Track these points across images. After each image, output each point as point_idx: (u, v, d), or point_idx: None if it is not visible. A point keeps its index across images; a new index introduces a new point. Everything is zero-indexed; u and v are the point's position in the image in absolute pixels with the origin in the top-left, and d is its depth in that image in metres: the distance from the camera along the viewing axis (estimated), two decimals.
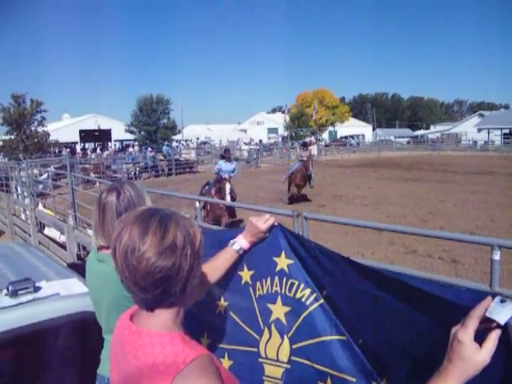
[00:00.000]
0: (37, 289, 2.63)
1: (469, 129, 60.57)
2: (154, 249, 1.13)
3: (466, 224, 11.01)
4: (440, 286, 1.42)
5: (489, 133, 54.94)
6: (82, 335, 2.77)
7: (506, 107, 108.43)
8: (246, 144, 43.57)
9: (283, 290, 1.92)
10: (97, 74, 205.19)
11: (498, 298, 1.13)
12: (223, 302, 2.06)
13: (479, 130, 57.33)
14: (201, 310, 2.04)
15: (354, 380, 1.72)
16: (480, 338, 1.10)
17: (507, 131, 55.11)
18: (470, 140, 52.73)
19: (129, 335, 1.22)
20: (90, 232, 6.99)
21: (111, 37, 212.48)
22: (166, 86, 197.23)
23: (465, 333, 1.10)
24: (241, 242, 1.90)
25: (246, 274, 2.00)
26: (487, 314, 1.10)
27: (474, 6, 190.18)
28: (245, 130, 72.66)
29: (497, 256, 2.42)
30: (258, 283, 1.98)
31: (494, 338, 1.10)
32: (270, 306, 1.94)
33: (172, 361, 1.10)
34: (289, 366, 1.88)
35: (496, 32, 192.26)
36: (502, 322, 1.09)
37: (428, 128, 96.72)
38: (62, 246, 8.84)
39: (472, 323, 1.11)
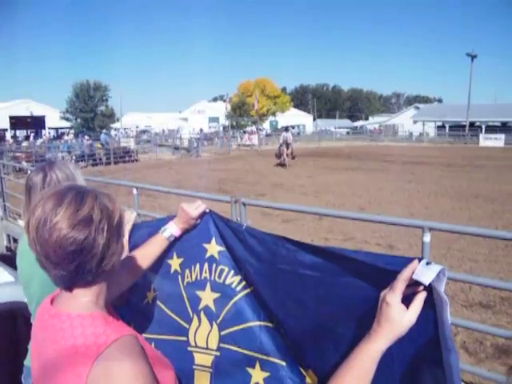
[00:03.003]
0: None
1: (405, 120, 62.97)
2: (66, 220, 1.07)
3: (402, 211, 11.39)
4: (370, 254, 1.42)
5: (424, 125, 57.25)
6: (11, 325, 2.64)
7: (440, 101, 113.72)
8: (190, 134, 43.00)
9: (212, 277, 1.88)
10: (29, 57, 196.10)
11: (423, 261, 1.17)
12: (152, 292, 2.00)
13: (415, 122, 59.65)
14: (128, 300, 1.95)
15: (284, 364, 1.72)
16: (408, 301, 1.13)
17: (440, 124, 57.75)
18: (406, 131, 54.97)
19: (48, 319, 1.17)
20: (20, 222, 6.69)
21: (45, 18, 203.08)
22: (104, 72, 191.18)
23: (393, 295, 1.13)
24: (171, 228, 1.84)
25: (175, 262, 1.94)
26: (414, 277, 1.14)
27: (409, 2, 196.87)
28: (186, 119, 71.93)
29: (427, 238, 2.50)
30: (187, 270, 1.93)
31: (420, 299, 1.14)
32: (198, 293, 1.90)
33: (92, 342, 1.06)
34: (218, 354, 1.85)
35: (431, 29, 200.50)
36: (427, 283, 1.13)
37: (367, 119, 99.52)
38: None
39: (399, 286, 1.14)
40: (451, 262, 7.38)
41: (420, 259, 1.19)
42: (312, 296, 1.56)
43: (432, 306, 1.19)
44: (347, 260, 1.43)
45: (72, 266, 1.09)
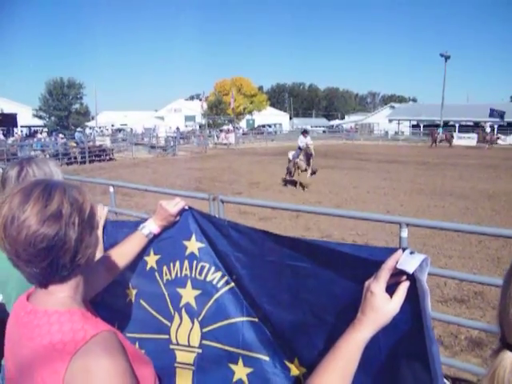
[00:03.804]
0: None
1: (381, 119, 63.71)
2: (35, 216, 1.05)
3: (378, 208, 11.53)
4: (354, 246, 1.44)
5: (399, 124, 58.10)
6: None
7: (414, 100, 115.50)
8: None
9: (193, 274, 1.87)
10: None
11: (407, 251, 1.19)
12: (132, 290, 1.98)
13: (390, 121, 60.43)
14: (111, 299, 1.93)
15: (267, 359, 1.72)
16: (392, 291, 1.15)
17: (415, 123, 58.68)
18: (381, 130, 55.58)
19: (24, 316, 1.14)
20: None
21: (17, 13, 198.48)
22: (78, 70, 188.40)
23: (377, 284, 1.14)
24: (150, 226, 1.82)
25: (151, 259, 1.92)
26: (398, 266, 1.16)
27: (385, 3, 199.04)
28: (162, 118, 71.41)
29: (404, 233, 2.54)
30: (165, 268, 1.91)
31: (403, 288, 1.16)
32: (179, 290, 1.89)
33: (70, 339, 1.04)
34: (200, 351, 1.84)
35: (407, 30, 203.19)
36: (411, 271, 1.14)
37: (343, 118, 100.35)
38: None
39: (384, 275, 1.15)
40: None
41: (404, 249, 1.20)
42: (302, 285, 1.57)
43: (415, 295, 1.21)
44: (332, 252, 1.44)
45: (44, 263, 1.07)
